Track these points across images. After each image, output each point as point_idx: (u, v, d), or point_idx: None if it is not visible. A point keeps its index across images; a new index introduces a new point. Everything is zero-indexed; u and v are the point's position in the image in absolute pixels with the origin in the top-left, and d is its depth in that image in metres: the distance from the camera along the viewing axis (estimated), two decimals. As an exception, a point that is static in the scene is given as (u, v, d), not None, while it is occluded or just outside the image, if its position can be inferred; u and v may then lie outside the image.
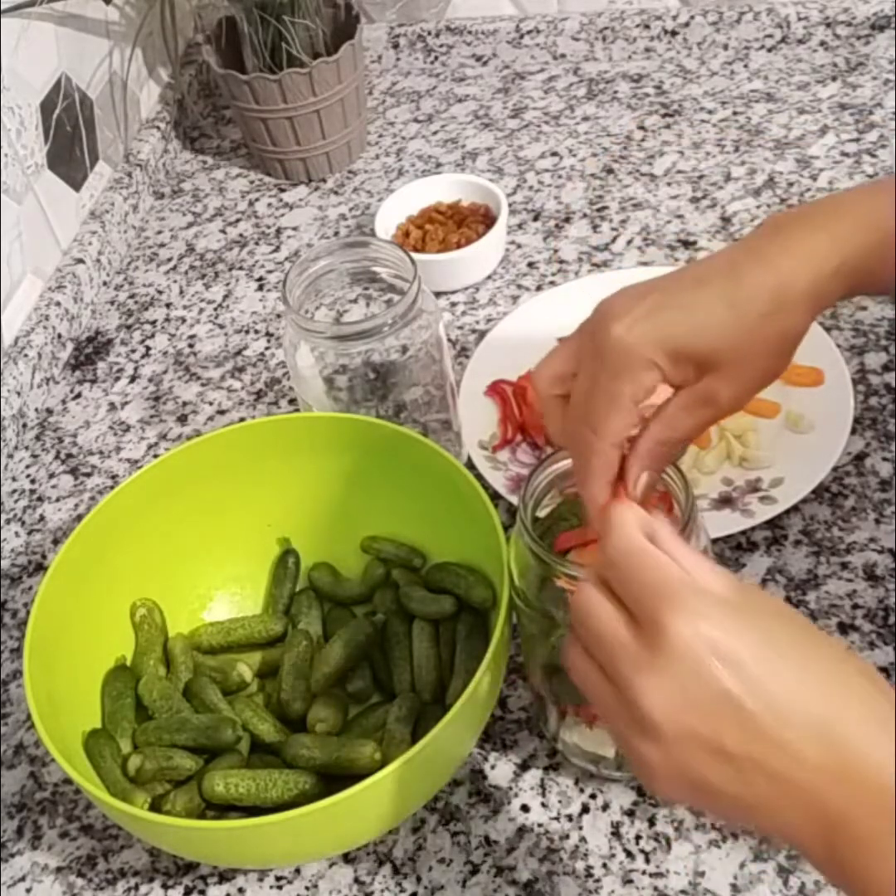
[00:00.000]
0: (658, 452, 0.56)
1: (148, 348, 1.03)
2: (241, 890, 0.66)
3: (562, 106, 1.20)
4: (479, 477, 0.79)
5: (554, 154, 1.14)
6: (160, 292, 1.08)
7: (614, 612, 0.45)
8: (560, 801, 0.67)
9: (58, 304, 1.02)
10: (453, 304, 1.00)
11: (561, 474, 0.60)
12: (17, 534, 0.89)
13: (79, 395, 1.00)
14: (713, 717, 0.42)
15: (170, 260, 1.12)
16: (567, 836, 0.65)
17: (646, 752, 0.44)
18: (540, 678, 0.64)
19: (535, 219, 1.07)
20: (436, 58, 1.29)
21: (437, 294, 0.99)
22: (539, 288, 1.00)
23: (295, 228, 1.12)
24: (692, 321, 0.53)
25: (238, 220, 1.15)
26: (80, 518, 0.80)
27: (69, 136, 1.07)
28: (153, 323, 1.05)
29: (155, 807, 0.64)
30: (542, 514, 0.61)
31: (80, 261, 1.06)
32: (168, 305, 1.07)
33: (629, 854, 0.64)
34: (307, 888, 0.65)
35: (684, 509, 0.56)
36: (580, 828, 0.65)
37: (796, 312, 0.55)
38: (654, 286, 0.55)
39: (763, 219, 0.57)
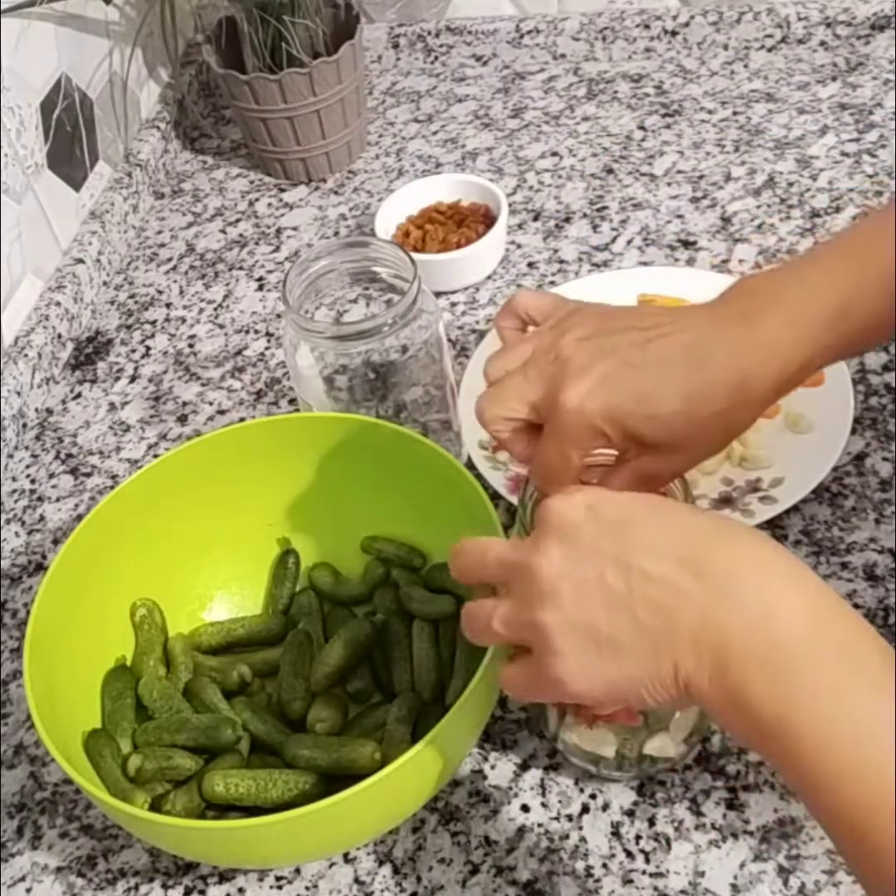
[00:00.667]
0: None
1: (148, 348, 1.03)
2: (241, 890, 0.66)
3: (562, 106, 1.20)
4: (479, 477, 0.79)
5: (554, 154, 1.14)
6: (160, 292, 1.08)
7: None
8: (560, 801, 0.67)
9: (58, 304, 1.02)
10: (453, 304, 1.00)
11: None
12: (17, 534, 0.89)
13: (79, 395, 1.00)
14: (594, 565, 0.45)
15: (170, 260, 1.12)
16: (567, 836, 0.65)
17: (547, 622, 0.46)
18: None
19: (535, 219, 1.07)
20: (436, 58, 1.29)
21: (437, 294, 0.99)
22: (539, 288, 1.00)
23: (295, 228, 1.12)
24: (644, 408, 0.54)
25: (238, 220, 1.15)
26: (80, 518, 0.80)
27: (69, 136, 1.07)
28: (153, 323, 1.05)
29: (155, 807, 0.64)
30: None
31: (80, 261, 1.06)
32: (168, 305, 1.07)
33: (629, 854, 0.64)
34: (307, 888, 0.65)
35: None
36: (580, 828, 0.65)
37: (751, 409, 0.56)
38: (615, 343, 0.55)
39: (736, 280, 0.58)
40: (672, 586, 0.44)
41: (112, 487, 0.79)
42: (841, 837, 0.42)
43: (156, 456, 0.89)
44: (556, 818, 0.66)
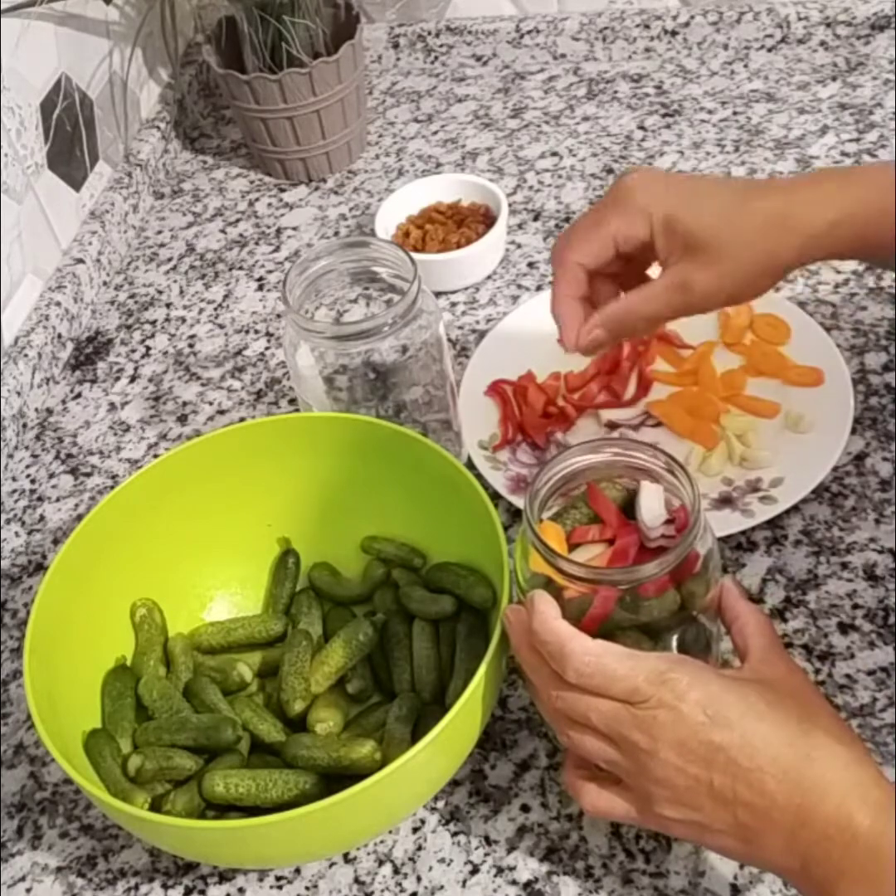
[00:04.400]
0: (623, 318, 0.64)
1: (148, 348, 1.03)
2: (241, 890, 0.66)
3: (562, 106, 1.20)
4: (479, 477, 0.79)
5: (554, 154, 1.14)
6: (160, 292, 1.08)
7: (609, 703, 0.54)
8: (560, 801, 0.67)
9: (58, 304, 1.02)
10: (453, 304, 1.00)
11: (567, 475, 0.60)
12: (17, 534, 0.89)
13: (79, 395, 1.00)
14: (706, 764, 0.51)
15: (170, 260, 1.12)
16: (567, 836, 0.65)
17: (659, 796, 0.53)
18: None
19: (535, 219, 1.07)
20: (436, 58, 1.29)
21: (437, 294, 0.99)
22: (539, 288, 1.00)
23: (295, 228, 1.12)
24: (694, 202, 0.61)
25: (238, 220, 1.15)
26: (80, 518, 0.80)
27: (69, 136, 1.07)
28: (153, 323, 1.05)
29: (155, 807, 0.64)
30: (547, 516, 0.61)
31: (80, 261, 1.06)
32: (168, 305, 1.07)
33: (629, 854, 0.64)
34: (307, 888, 0.65)
35: (690, 509, 0.56)
36: (580, 828, 0.65)
37: (784, 240, 0.61)
38: (681, 174, 0.64)
39: None
40: (770, 797, 0.50)
41: (112, 487, 0.79)
42: None
43: (156, 456, 0.89)
44: (556, 818, 0.66)
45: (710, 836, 0.53)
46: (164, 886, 0.67)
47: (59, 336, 1.02)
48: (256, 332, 1.02)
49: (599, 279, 0.66)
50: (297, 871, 0.66)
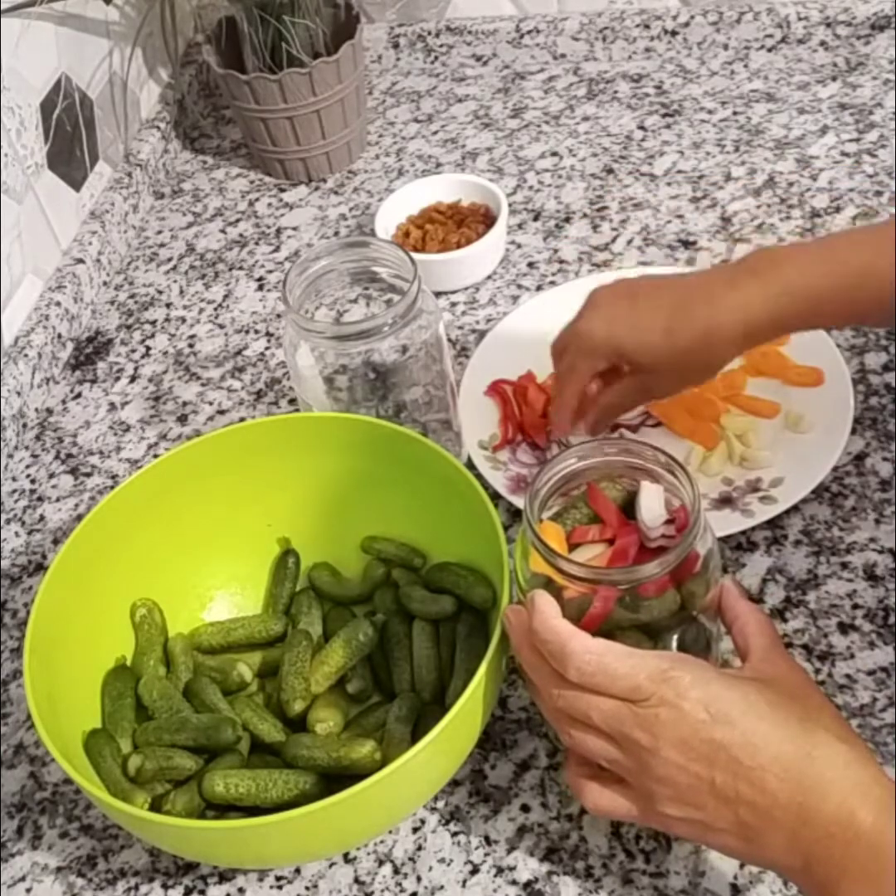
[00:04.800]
0: (605, 416, 0.77)
1: (148, 348, 1.03)
2: (241, 890, 0.66)
3: (562, 106, 1.20)
4: (479, 477, 0.79)
5: (554, 154, 1.14)
6: (160, 292, 1.08)
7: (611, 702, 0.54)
8: (560, 801, 0.67)
9: (58, 304, 1.02)
10: (453, 304, 1.00)
11: (567, 475, 0.60)
12: (17, 534, 0.89)
13: (79, 395, 1.00)
14: (708, 762, 0.51)
15: (170, 260, 1.12)
16: (567, 836, 0.65)
17: (661, 795, 0.53)
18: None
19: (535, 219, 1.07)
20: (436, 58, 1.29)
21: (437, 294, 0.99)
22: (539, 288, 1.00)
23: (295, 228, 1.12)
24: (638, 339, 0.71)
25: (238, 220, 1.15)
26: (80, 518, 0.80)
27: (69, 136, 1.07)
28: (153, 323, 1.05)
29: (155, 807, 0.64)
30: (547, 516, 0.61)
31: (80, 261, 1.06)
32: (168, 305, 1.07)
33: (629, 854, 0.64)
34: (307, 888, 0.65)
35: (690, 509, 0.56)
36: (580, 828, 0.65)
37: (720, 351, 0.71)
38: (632, 291, 0.73)
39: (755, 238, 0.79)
40: (772, 796, 0.50)
41: (112, 487, 0.79)
42: None
43: (156, 456, 0.89)
44: (556, 818, 0.66)
45: (712, 834, 0.53)
46: (164, 886, 0.67)
47: (59, 336, 1.02)
48: (256, 332, 1.02)
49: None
50: (297, 871, 0.66)
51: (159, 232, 1.16)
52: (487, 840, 0.66)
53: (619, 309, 0.72)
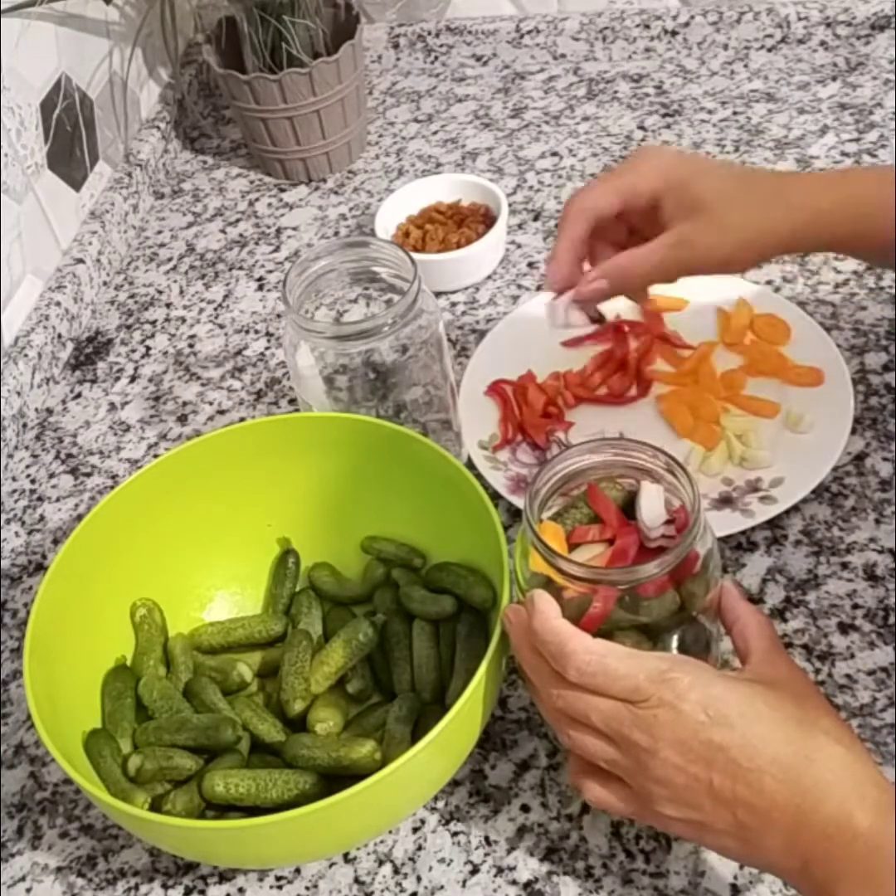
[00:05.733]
0: (625, 270, 0.68)
1: (148, 348, 1.03)
2: (241, 890, 0.66)
3: (562, 106, 1.20)
4: (479, 477, 0.79)
5: (554, 154, 1.14)
6: (160, 292, 1.08)
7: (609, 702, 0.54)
8: (560, 801, 0.67)
9: (58, 304, 1.02)
10: (453, 304, 1.00)
11: (567, 475, 0.60)
12: (17, 534, 0.89)
13: (79, 395, 1.00)
14: (706, 763, 0.51)
15: (170, 260, 1.12)
16: (567, 836, 0.65)
17: (659, 795, 0.53)
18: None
19: (535, 219, 1.07)
20: (436, 58, 1.29)
21: (437, 294, 0.99)
22: (539, 288, 1.00)
23: (295, 228, 1.12)
24: (704, 170, 0.67)
25: (238, 220, 1.15)
26: (80, 518, 0.80)
27: (69, 136, 1.07)
28: (153, 323, 1.05)
29: (155, 807, 0.64)
30: (546, 516, 0.61)
31: (80, 261, 1.06)
32: (168, 305, 1.07)
33: (629, 854, 0.64)
34: (307, 888, 0.65)
35: (690, 509, 0.56)
36: (580, 828, 0.65)
37: (780, 214, 0.66)
38: (690, 153, 0.73)
39: None
40: (770, 797, 0.50)
41: (112, 487, 0.79)
42: None
43: (156, 456, 0.89)
44: (556, 818, 0.66)
45: (711, 835, 0.53)
46: (164, 886, 0.67)
47: (59, 336, 1.02)
48: (256, 332, 1.02)
49: (601, 244, 0.72)
50: (297, 871, 0.66)
51: (159, 232, 1.16)
52: (487, 840, 0.66)
53: (685, 152, 0.74)
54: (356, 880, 0.65)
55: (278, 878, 0.66)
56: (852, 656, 0.70)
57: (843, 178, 0.69)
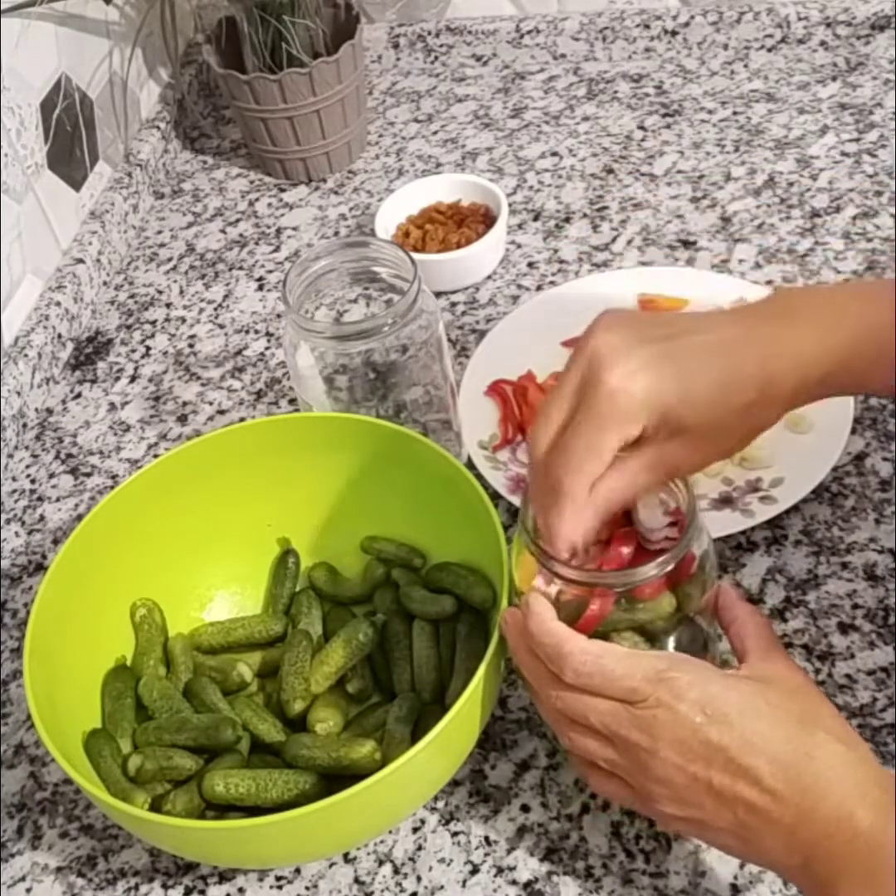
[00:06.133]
0: (610, 501, 0.56)
1: (148, 348, 1.03)
2: (241, 890, 0.66)
3: (562, 106, 1.20)
4: (479, 477, 0.79)
5: (554, 154, 1.14)
6: (160, 292, 1.08)
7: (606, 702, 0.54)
8: (560, 801, 0.67)
9: (58, 304, 1.02)
10: (453, 304, 1.00)
11: None
12: (17, 534, 0.89)
13: (79, 395, 1.00)
14: (706, 761, 0.51)
15: (170, 260, 1.12)
16: (567, 836, 0.65)
17: (658, 795, 0.53)
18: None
19: (535, 219, 1.07)
20: (436, 58, 1.29)
21: (437, 294, 0.99)
22: (539, 288, 1.00)
23: (295, 228, 1.12)
24: (685, 389, 0.54)
25: (238, 220, 1.15)
26: (80, 518, 0.80)
27: (69, 136, 1.07)
28: (153, 323, 1.05)
29: (155, 807, 0.64)
30: None
31: (80, 261, 1.06)
32: (168, 305, 1.07)
33: (629, 854, 0.64)
34: (307, 888, 0.65)
35: (686, 511, 0.56)
36: (580, 828, 0.65)
37: (774, 408, 0.57)
38: (651, 335, 0.55)
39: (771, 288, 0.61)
40: (772, 794, 0.50)
41: (112, 487, 0.79)
42: None
43: (156, 456, 0.89)
44: (556, 818, 0.66)
45: (711, 833, 0.53)
46: (164, 886, 0.67)
47: (59, 336, 1.02)
48: (256, 332, 1.02)
49: None
50: (297, 871, 0.66)
51: (159, 232, 1.16)
52: (487, 840, 0.66)
53: (657, 359, 0.54)
54: (356, 880, 0.65)
55: (278, 878, 0.66)
56: (852, 656, 0.70)
57: (834, 327, 0.57)
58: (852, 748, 0.51)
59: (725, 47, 1.22)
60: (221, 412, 0.95)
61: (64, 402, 0.99)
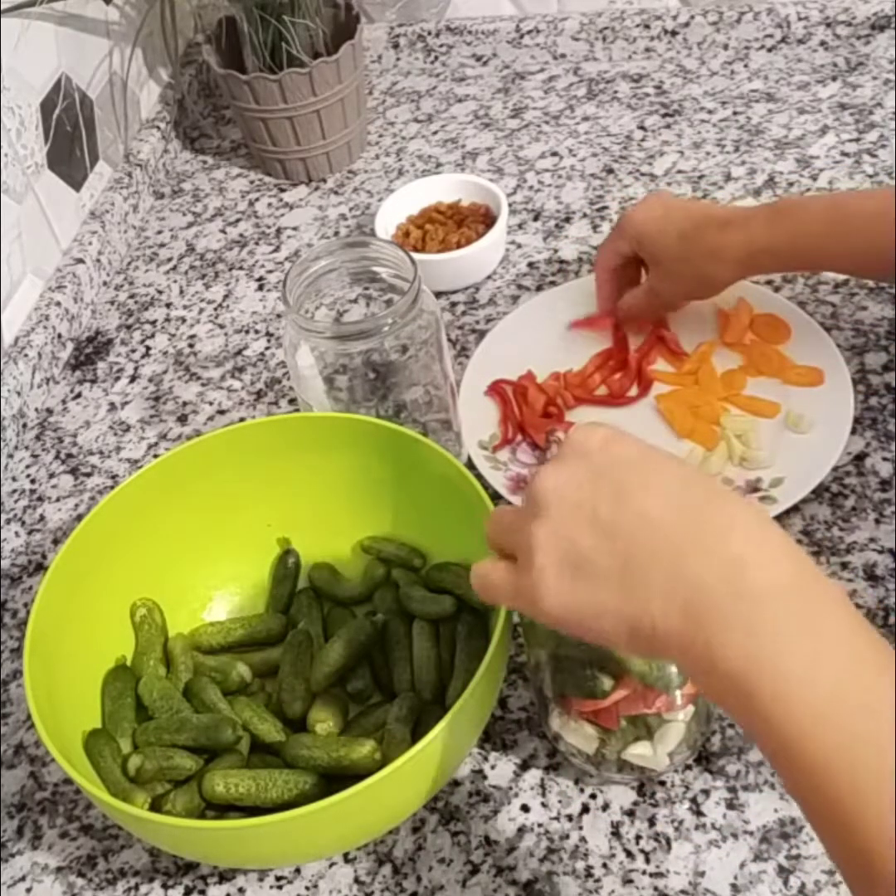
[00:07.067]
0: (629, 311, 0.89)
1: (148, 348, 1.03)
2: (241, 890, 0.66)
3: (562, 106, 1.20)
4: (479, 477, 0.79)
5: (554, 154, 1.14)
6: (160, 292, 1.08)
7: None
8: (560, 801, 0.67)
9: (58, 304, 1.02)
10: (453, 304, 1.00)
11: None
12: (17, 534, 0.89)
13: (79, 395, 1.00)
14: (593, 488, 0.47)
15: (170, 260, 1.12)
16: (567, 836, 0.65)
17: (536, 531, 0.48)
18: (541, 672, 0.64)
19: (535, 219, 1.07)
20: (436, 58, 1.29)
21: (437, 294, 0.99)
22: (539, 288, 1.00)
23: (295, 228, 1.12)
24: (658, 235, 0.84)
25: (238, 220, 1.15)
26: (80, 518, 0.80)
27: (69, 136, 1.07)
28: (153, 323, 1.05)
29: (155, 807, 0.64)
30: None
31: (80, 261, 1.06)
32: (168, 305, 1.07)
33: (629, 854, 0.64)
34: (307, 888, 0.65)
35: None
36: (580, 828, 0.65)
37: (717, 266, 0.82)
38: (671, 203, 0.85)
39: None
40: (660, 528, 0.45)
41: (112, 487, 0.79)
42: (812, 807, 0.42)
43: (156, 456, 0.89)
44: (556, 818, 0.66)
45: (584, 586, 0.46)
46: (164, 886, 0.67)
47: (59, 336, 1.02)
48: (256, 332, 1.02)
49: (624, 281, 0.90)
50: (297, 871, 0.66)
51: (159, 232, 1.16)
52: (487, 840, 0.66)
53: (656, 210, 0.84)
54: (356, 880, 0.65)
55: (278, 878, 0.66)
56: (852, 656, 0.70)
57: (772, 220, 0.79)
58: (759, 508, 0.48)
59: (725, 47, 1.22)
60: (221, 412, 0.95)
61: (64, 402, 0.99)
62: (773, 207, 0.80)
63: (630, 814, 0.65)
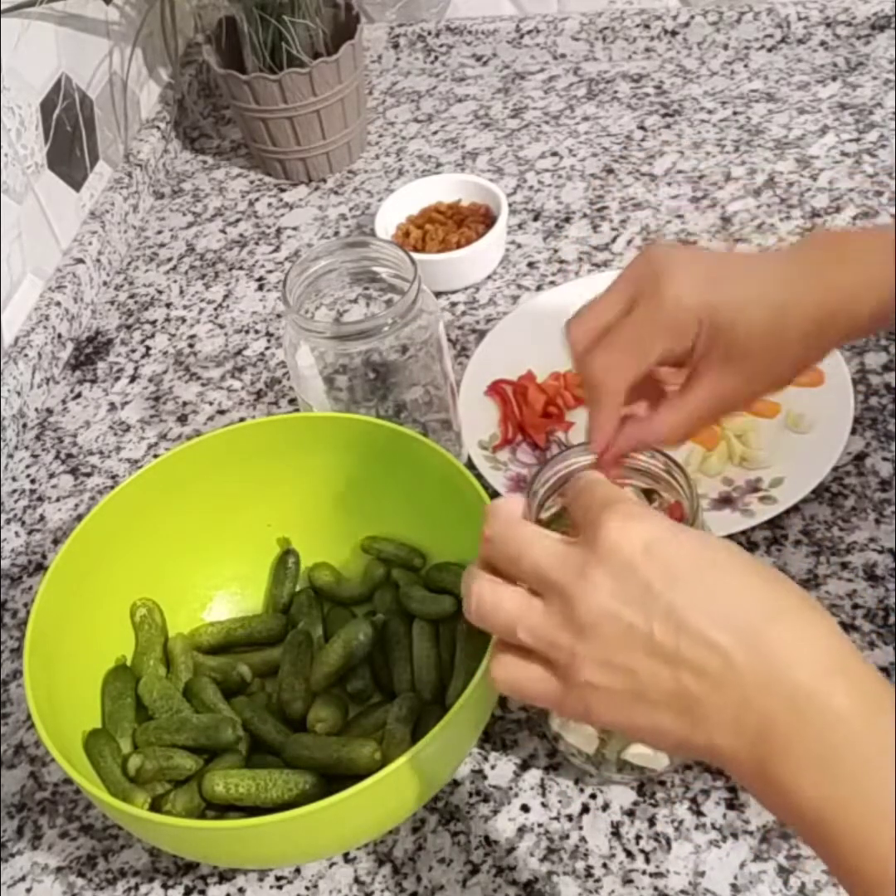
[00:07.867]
0: (671, 435, 0.58)
1: (148, 348, 1.03)
2: (241, 890, 0.66)
3: (562, 106, 1.20)
4: (479, 477, 0.79)
5: (554, 154, 1.14)
6: (160, 292, 1.08)
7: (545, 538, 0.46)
8: (560, 801, 0.67)
9: (58, 304, 1.02)
10: (453, 304, 1.00)
11: (566, 475, 0.60)
12: (17, 534, 0.89)
13: (79, 395, 1.00)
14: (644, 609, 0.42)
15: (170, 260, 1.12)
16: (567, 836, 0.65)
17: (586, 655, 0.43)
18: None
19: (535, 219, 1.07)
20: (436, 58, 1.29)
21: (437, 294, 0.99)
22: (539, 288, 1.00)
23: (295, 228, 1.12)
24: (742, 311, 0.54)
25: (238, 220, 1.15)
26: (80, 518, 0.80)
27: (69, 136, 1.07)
28: (153, 323, 1.05)
29: (155, 807, 0.64)
30: (545, 515, 0.61)
31: (80, 261, 1.06)
32: (168, 305, 1.07)
33: (629, 854, 0.64)
34: (307, 888, 0.65)
35: (689, 510, 0.56)
36: (580, 828, 0.65)
37: (824, 341, 0.58)
38: (711, 258, 0.57)
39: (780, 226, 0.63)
40: (723, 657, 0.41)
41: (112, 487, 0.79)
42: None
43: (156, 456, 0.89)
44: (556, 818, 0.66)
45: (643, 710, 0.43)
46: (164, 886, 0.67)
47: (59, 336, 1.02)
48: (256, 332, 1.02)
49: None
50: (297, 871, 0.66)
51: (159, 232, 1.16)
52: (487, 840, 0.66)
53: (716, 280, 0.55)
54: (356, 880, 0.65)
55: (278, 878, 0.66)
56: (852, 656, 0.70)
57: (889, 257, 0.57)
58: (824, 616, 0.43)
59: (725, 47, 1.22)
60: (221, 412, 0.95)
61: (64, 402, 0.99)
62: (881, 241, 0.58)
63: (630, 814, 0.65)
